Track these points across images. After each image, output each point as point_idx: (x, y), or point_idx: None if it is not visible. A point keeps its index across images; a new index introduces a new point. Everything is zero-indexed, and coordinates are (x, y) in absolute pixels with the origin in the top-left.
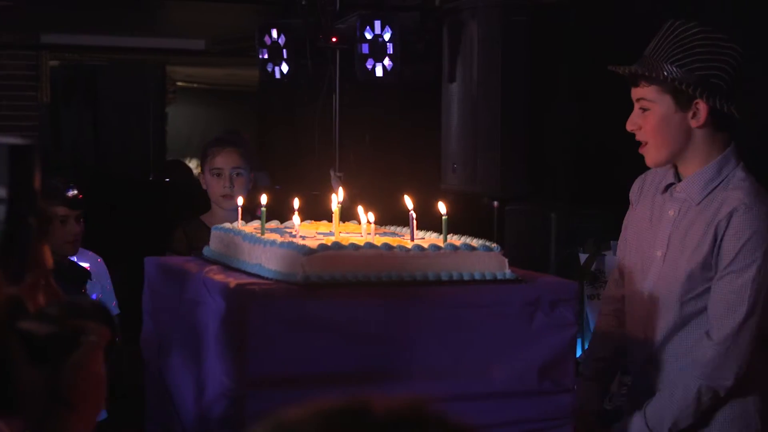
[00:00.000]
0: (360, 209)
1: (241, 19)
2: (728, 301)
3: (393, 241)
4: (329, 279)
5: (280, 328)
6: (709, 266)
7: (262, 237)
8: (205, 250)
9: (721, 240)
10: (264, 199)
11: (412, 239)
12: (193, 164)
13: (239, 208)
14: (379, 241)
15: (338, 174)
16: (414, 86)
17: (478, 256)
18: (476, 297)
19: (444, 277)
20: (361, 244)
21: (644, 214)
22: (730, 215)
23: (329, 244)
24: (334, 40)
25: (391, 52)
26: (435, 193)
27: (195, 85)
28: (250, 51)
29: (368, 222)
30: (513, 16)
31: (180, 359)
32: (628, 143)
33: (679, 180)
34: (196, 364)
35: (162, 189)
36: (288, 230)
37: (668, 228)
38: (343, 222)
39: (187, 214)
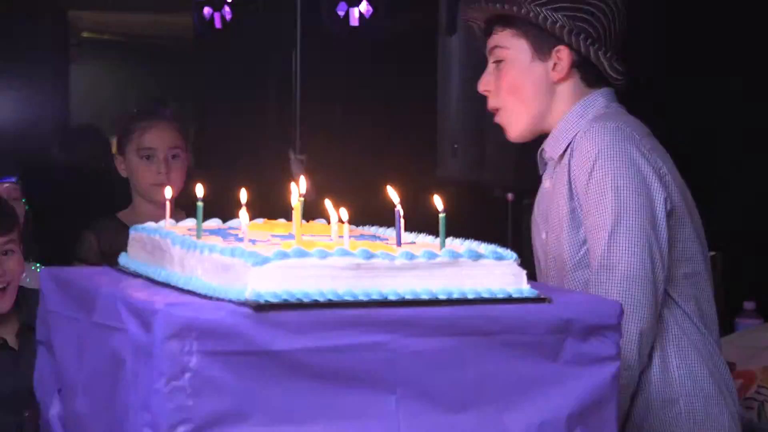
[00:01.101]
0: (329, 204)
1: None
2: (594, 224)
3: (373, 246)
4: (288, 298)
5: (223, 362)
6: (576, 216)
7: (199, 241)
8: (122, 259)
9: (570, 175)
10: (200, 189)
11: (399, 244)
12: None
13: (168, 202)
14: (354, 246)
15: (299, 157)
16: (401, 40)
17: (487, 266)
18: (485, 322)
19: (441, 295)
20: (331, 250)
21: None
22: (572, 149)
23: (288, 250)
24: None
25: None
26: (429, 183)
27: (106, 37)
28: None
29: (340, 221)
30: None
31: (87, 403)
32: (683, 114)
33: None
34: (108, 410)
35: (65, 173)
36: (233, 232)
37: (545, 203)
38: (307, 221)
39: (101, 209)
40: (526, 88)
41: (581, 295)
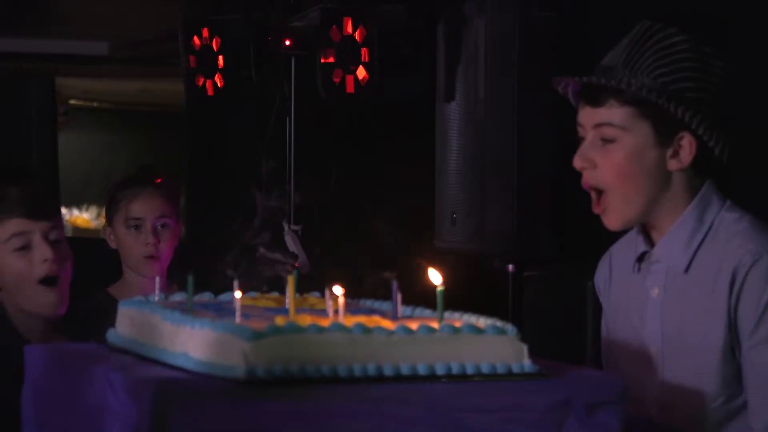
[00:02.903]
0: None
1: (158, 13)
2: (764, 380)
3: (369, 321)
4: (282, 374)
5: None
6: (732, 349)
7: (190, 316)
8: (111, 335)
9: (736, 308)
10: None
11: (396, 318)
12: (91, 213)
13: (157, 275)
14: (350, 320)
15: (294, 228)
16: (398, 106)
17: (487, 341)
18: (484, 398)
19: (439, 371)
20: (326, 325)
21: (622, 305)
22: (734, 274)
23: (282, 325)
24: (287, 43)
25: (367, 60)
26: (427, 254)
27: (95, 104)
28: (171, 58)
29: (335, 294)
30: (535, 11)
31: None
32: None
33: (652, 244)
34: None
35: None
36: (225, 306)
37: (657, 314)
38: (301, 294)
39: (91, 283)
40: (641, 174)
41: (585, 370)
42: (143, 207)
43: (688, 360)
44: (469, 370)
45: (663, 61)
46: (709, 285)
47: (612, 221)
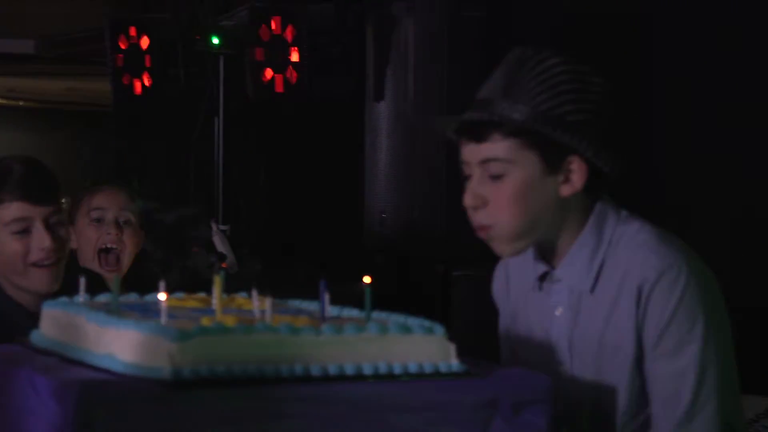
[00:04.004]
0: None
1: (85, 12)
2: (667, 390)
3: (297, 320)
4: (208, 375)
5: None
6: (638, 364)
7: (115, 317)
8: (35, 336)
9: (642, 323)
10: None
11: (324, 318)
12: None
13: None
14: (277, 320)
15: (222, 228)
16: (327, 106)
17: (414, 341)
18: (411, 398)
19: (367, 371)
20: (254, 324)
21: (523, 318)
22: (640, 290)
23: (209, 325)
24: (216, 42)
25: (297, 60)
26: (356, 253)
27: (21, 103)
28: (98, 57)
29: (262, 295)
30: (465, 11)
31: None
32: (632, 174)
33: (552, 265)
34: None
35: None
36: (152, 307)
37: (562, 332)
38: (228, 294)
39: None
40: (534, 206)
41: (512, 369)
42: (106, 199)
43: (597, 375)
44: (397, 370)
45: (541, 87)
46: (615, 302)
47: (503, 250)
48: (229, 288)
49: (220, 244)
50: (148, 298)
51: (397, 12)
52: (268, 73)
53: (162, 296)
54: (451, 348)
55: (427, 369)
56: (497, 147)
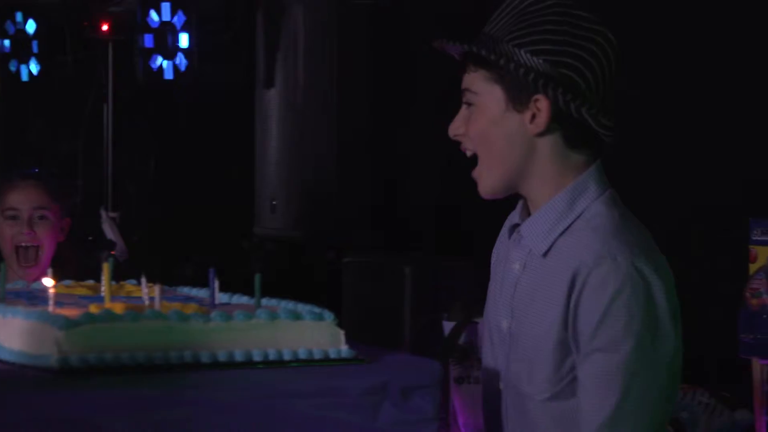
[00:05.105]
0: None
1: None
2: (596, 387)
3: (186, 308)
4: (96, 363)
5: None
6: (566, 346)
7: (1, 305)
8: None
9: (576, 309)
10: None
11: (213, 305)
12: None
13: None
14: (167, 307)
15: (111, 215)
16: (217, 93)
17: (304, 327)
18: (300, 384)
19: (256, 357)
20: (143, 312)
21: (497, 270)
22: (576, 272)
23: (96, 313)
24: (105, 28)
25: (186, 46)
26: (246, 240)
27: None
28: None
29: (151, 282)
30: (352, 0)
31: None
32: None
33: (528, 216)
34: None
35: None
36: (39, 294)
37: (511, 289)
38: (117, 282)
39: None
40: (498, 141)
41: (401, 355)
42: (20, 197)
43: (526, 342)
44: (286, 356)
45: (521, 24)
46: (556, 275)
47: (480, 188)
48: (119, 275)
49: (110, 231)
50: (35, 286)
51: (287, 0)
52: (157, 59)
53: (49, 283)
54: (341, 334)
55: (317, 355)
56: (469, 78)
